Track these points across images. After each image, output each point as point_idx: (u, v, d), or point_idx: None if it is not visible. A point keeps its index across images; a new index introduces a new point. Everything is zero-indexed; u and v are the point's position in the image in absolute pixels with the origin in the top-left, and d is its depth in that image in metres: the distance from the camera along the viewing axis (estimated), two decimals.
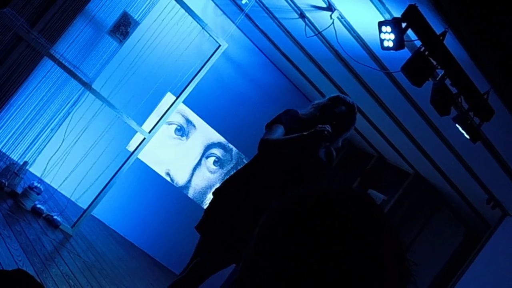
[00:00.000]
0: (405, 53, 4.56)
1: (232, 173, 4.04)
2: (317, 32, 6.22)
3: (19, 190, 5.83)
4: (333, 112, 3.74)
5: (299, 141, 3.55)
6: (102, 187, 6.17)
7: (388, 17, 4.84)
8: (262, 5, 6.73)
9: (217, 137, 9.00)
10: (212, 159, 9.06)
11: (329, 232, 0.81)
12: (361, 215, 0.84)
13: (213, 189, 3.86)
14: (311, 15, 6.11)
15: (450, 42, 4.39)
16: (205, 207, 3.82)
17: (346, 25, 5.68)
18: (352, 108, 3.79)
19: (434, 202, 8.95)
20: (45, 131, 6.08)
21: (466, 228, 9.02)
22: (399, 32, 4.35)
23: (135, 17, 6.38)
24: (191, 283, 3.56)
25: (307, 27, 6.29)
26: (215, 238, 3.58)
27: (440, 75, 4.68)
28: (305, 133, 3.51)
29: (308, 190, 0.89)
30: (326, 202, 0.85)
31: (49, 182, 6.72)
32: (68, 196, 6.75)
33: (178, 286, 3.59)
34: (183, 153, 8.85)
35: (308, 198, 0.87)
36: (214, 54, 6.34)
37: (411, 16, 4.28)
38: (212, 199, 3.75)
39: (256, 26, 7.71)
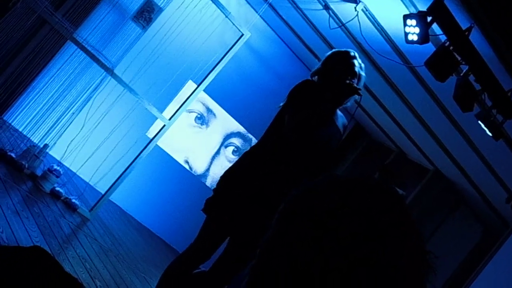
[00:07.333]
0: (429, 48, 4.51)
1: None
2: (341, 24, 6.18)
3: (38, 173, 5.88)
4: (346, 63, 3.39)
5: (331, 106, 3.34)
6: (121, 172, 6.20)
7: (413, 10, 4.79)
8: None
9: (237, 127, 9.00)
10: (231, 148, 9.07)
11: (351, 219, 0.80)
12: (384, 203, 0.83)
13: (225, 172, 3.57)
14: (335, 6, 6.07)
15: (476, 38, 4.33)
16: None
17: (371, 17, 5.64)
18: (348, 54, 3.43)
19: (452, 200, 8.88)
20: (66, 114, 6.13)
21: (484, 227, 8.95)
22: (424, 26, 4.30)
23: (159, 4, 6.39)
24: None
25: (331, 18, 6.25)
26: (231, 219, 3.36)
27: (464, 70, 4.63)
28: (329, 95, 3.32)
29: (330, 178, 0.88)
30: (348, 189, 0.84)
31: (68, 166, 6.77)
32: (87, 180, 6.80)
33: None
34: (202, 142, 8.87)
35: (330, 185, 0.86)
36: (237, 43, 6.33)
37: (437, 10, 4.23)
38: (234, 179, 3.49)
39: (280, 16, 7.69)
